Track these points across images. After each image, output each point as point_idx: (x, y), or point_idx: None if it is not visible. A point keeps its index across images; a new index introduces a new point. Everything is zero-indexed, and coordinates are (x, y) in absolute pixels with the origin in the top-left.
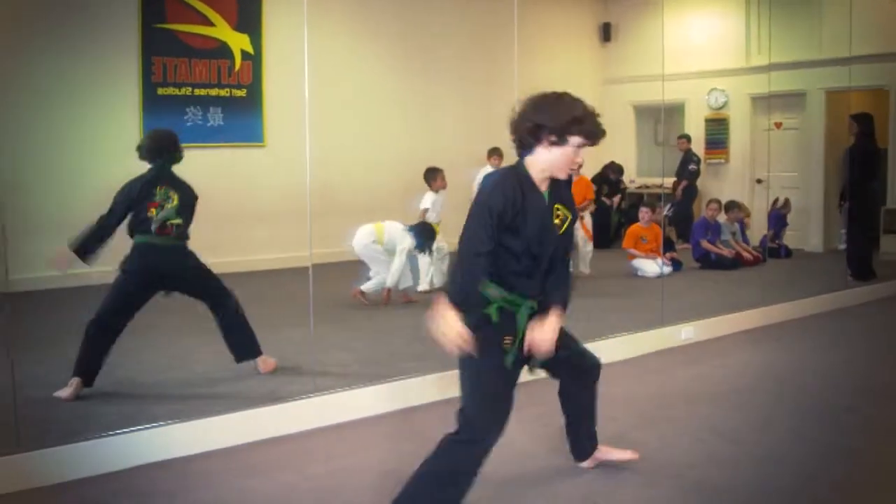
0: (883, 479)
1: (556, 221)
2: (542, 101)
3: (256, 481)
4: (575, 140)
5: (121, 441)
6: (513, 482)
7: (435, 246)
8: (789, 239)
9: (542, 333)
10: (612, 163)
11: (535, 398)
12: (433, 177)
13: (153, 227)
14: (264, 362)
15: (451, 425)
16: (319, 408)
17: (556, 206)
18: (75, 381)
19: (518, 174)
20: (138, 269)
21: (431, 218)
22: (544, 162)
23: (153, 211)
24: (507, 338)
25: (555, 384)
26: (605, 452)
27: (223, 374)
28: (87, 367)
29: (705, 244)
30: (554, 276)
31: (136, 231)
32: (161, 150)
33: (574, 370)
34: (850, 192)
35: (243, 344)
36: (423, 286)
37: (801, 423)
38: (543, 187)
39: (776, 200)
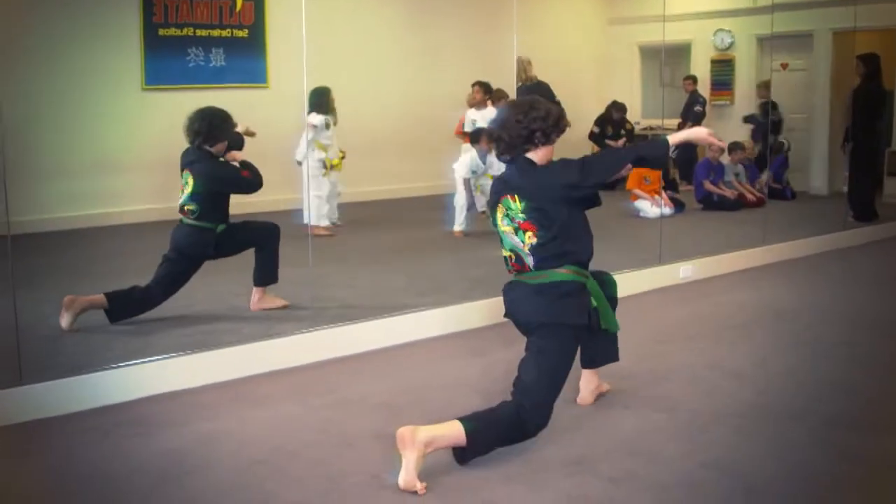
0: (879, 413)
1: None
2: (529, 108)
3: (258, 412)
4: (555, 138)
5: (124, 374)
6: None
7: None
8: (793, 180)
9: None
10: (616, 102)
11: None
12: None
13: (179, 208)
14: (269, 299)
15: (446, 358)
16: (320, 342)
17: None
18: (98, 297)
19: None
20: (170, 245)
21: None
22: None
23: (181, 192)
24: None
25: None
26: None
27: (225, 310)
28: (118, 304)
29: (708, 185)
30: None
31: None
32: (189, 131)
33: None
34: (854, 134)
35: (262, 272)
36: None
37: (798, 357)
38: None
39: (780, 144)
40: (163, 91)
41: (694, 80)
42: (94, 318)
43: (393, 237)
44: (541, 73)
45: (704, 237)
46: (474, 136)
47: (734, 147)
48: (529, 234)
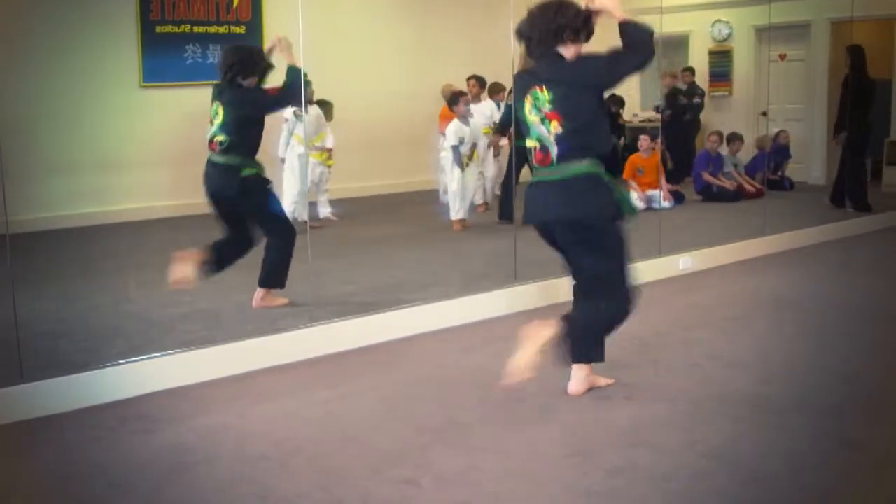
0: (879, 402)
1: None
2: (559, 6)
3: (260, 407)
4: (583, 37)
5: (126, 370)
6: (506, 406)
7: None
8: (792, 171)
9: None
10: (614, 95)
11: None
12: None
13: (208, 142)
14: (271, 298)
15: (448, 352)
16: (321, 337)
17: None
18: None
19: None
20: (205, 191)
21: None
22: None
23: (209, 127)
24: None
25: None
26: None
27: (227, 305)
28: (216, 257)
29: (707, 176)
30: None
31: None
32: (223, 66)
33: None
34: (844, 124)
35: (269, 274)
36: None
37: (799, 347)
38: None
39: (777, 133)
40: (160, 88)
41: (692, 71)
42: (95, 315)
43: (390, 231)
44: None
45: (704, 228)
46: (453, 100)
47: (732, 138)
48: (555, 123)
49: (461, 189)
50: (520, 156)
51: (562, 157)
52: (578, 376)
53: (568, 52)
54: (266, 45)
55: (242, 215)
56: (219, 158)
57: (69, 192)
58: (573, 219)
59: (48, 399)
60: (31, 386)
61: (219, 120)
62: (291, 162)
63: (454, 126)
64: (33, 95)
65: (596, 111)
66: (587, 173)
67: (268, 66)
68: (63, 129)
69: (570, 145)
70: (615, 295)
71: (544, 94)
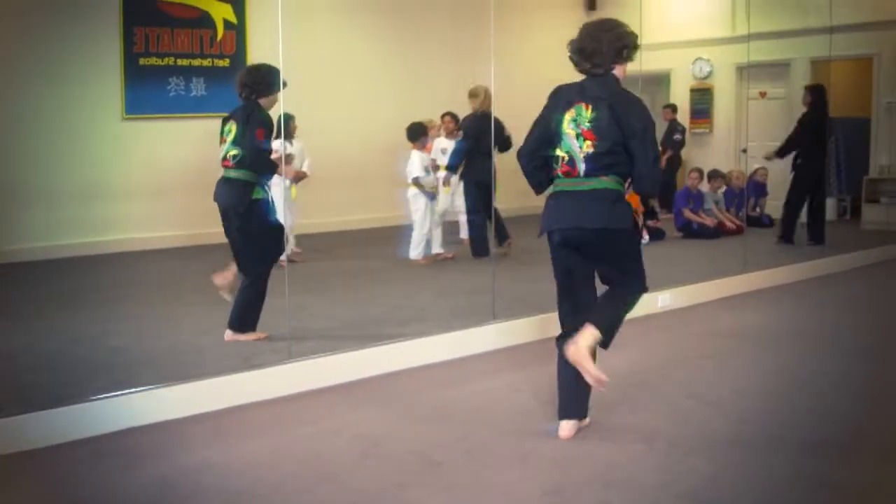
0: (856, 440)
1: None
2: (617, 25)
3: (241, 443)
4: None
5: (107, 405)
6: (484, 445)
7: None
8: (772, 208)
9: None
10: None
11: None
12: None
13: (221, 160)
14: (244, 334)
15: (428, 388)
16: (301, 373)
17: None
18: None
19: None
20: (217, 201)
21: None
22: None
23: (222, 147)
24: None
25: None
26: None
27: (208, 341)
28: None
29: (687, 213)
30: None
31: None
32: (240, 85)
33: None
34: (801, 159)
35: (243, 317)
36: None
37: (777, 385)
38: None
39: (755, 170)
40: (143, 120)
41: (673, 108)
42: (76, 348)
43: (370, 266)
44: (519, 100)
45: (684, 265)
46: (413, 135)
47: (713, 175)
48: (589, 142)
49: (421, 225)
50: (486, 190)
51: (587, 173)
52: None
53: (620, 71)
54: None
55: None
56: (232, 173)
57: (51, 223)
58: (609, 229)
59: (27, 434)
60: (9, 420)
61: (231, 137)
62: (278, 196)
63: (417, 159)
64: (15, 126)
65: (622, 140)
66: (611, 188)
67: (283, 84)
68: (45, 160)
69: (598, 164)
70: (637, 290)
71: (587, 112)
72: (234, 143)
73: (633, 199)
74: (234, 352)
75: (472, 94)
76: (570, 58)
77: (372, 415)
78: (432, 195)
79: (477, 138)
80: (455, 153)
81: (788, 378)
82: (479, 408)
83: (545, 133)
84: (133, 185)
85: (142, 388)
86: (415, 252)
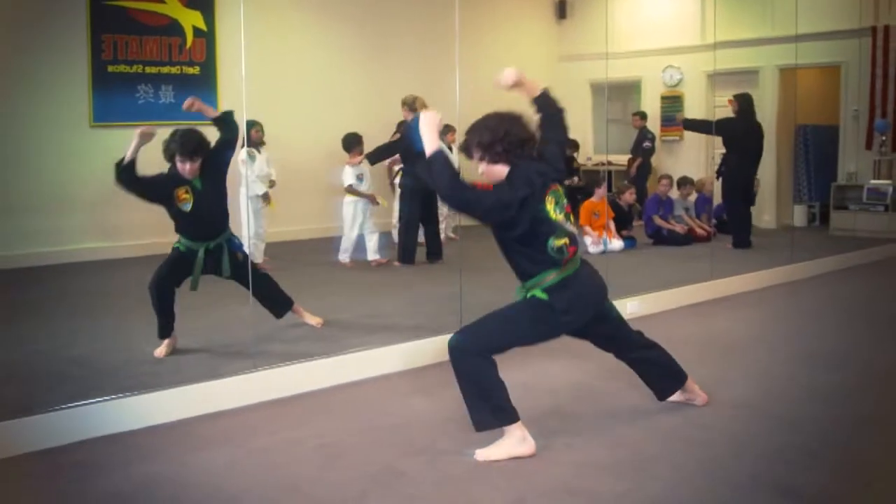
0: (820, 448)
1: None
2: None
3: (198, 454)
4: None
5: (63, 416)
6: (446, 454)
7: None
8: None
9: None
10: (569, 139)
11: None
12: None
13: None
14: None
15: (396, 398)
16: (262, 383)
17: None
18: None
19: None
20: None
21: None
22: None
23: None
24: None
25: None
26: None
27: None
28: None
29: (658, 220)
30: None
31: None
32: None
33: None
34: (728, 166)
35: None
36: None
37: (742, 391)
38: None
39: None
40: (111, 128)
41: (642, 115)
42: (37, 359)
43: (335, 275)
44: (489, 109)
45: (653, 272)
46: (347, 145)
47: (683, 182)
48: (572, 216)
49: (350, 229)
50: (424, 199)
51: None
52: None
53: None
54: (185, 105)
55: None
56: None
57: (19, 232)
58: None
59: None
60: None
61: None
62: (253, 203)
63: (349, 169)
64: None
65: None
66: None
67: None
68: (11, 168)
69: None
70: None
71: (559, 190)
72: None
73: (602, 204)
74: (194, 361)
75: (405, 103)
76: (506, 149)
77: (334, 425)
78: (368, 202)
79: (408, 146)
80: (377, 148)
81: (755, 384)
82: (445, 417)
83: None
84: (100, 194)
85: (100, 399)
86: (343, 256)
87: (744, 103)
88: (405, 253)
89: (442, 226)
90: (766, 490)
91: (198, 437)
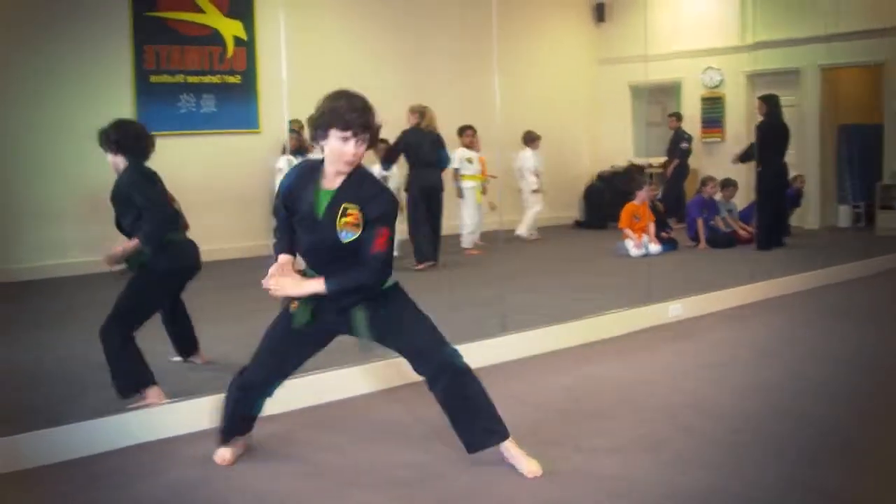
0: (855, 452)
1: (342, 220)
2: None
3: (238, 461)
4: (334, 133)
5: (98, 424)
6: (484, 454)
7: None
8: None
9: (282, 281)
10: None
11: None
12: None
13: (181, 222)
14: (201, 356)
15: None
16: (303, 389)
17: (344, 204)
18: (151, 391)
19: (314, 167)
20: (177, 269)
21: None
22: (326, 155)
23: (175, 206)
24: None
25: None
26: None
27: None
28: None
29: (700, 222)
30: (343, 270)
31: (169, 230)
32: (148, 145)
33: (416, 363)
34: (759, 167)
35: (192, 340)
36: None
37: (780, 395)
38: (334, 183)
39: (794, 178)
40: (154, 137)
41: (678, 116)
42: (70, 367)
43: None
44: (528, 113)
45: (695, 274)
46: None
47: (726, 184)
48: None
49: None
50: (429, 202)
51: None
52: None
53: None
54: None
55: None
56: (186, 235)
57: (44, 243)
58: None
59: (18, 455)
60: (2, 441)
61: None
62: None
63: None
64: (28, 146)
65: None
66: None
67: None
68: (54, 179)
69: None
70: None
71: None
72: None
73: (643, 208)
74: (225, 370)
75: (415, 110)
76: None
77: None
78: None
79: (415, 151)
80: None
81: (793, 388)
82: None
83: None
84: None
85: (135, 407)
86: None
87: (771, 104)
88: (419, 252)
89: (466, 231)
90: (801, 491)
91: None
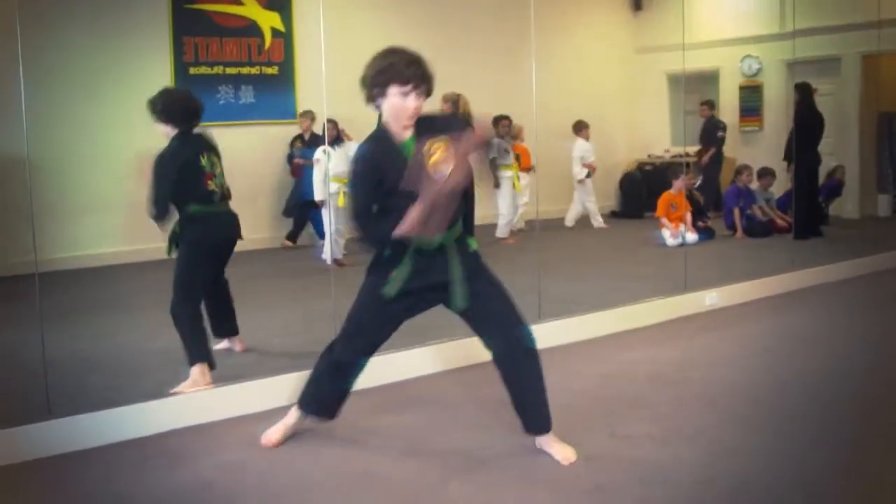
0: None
1: (431, 160)
2: (369, 60)
3: (285, 444)
4: (393, 89)
5: (150, 407)
6: (526, 441)
7: None
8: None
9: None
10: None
11: None
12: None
13: (217, 197)
14: (240, 342)
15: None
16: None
17: (427, 144)
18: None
19: (378, 137)
20: (204, 238)
21: None
22: (385, 113)
23: (211, 183)
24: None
25: None
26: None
27: (255, 343)
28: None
29: (736, 212)
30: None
31: (195, 202)
32: (191, 113)
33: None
34: (795, 156)
35: (231, 321)
36: None
37: (819, 384)
38: (405, 136)
39: (835, 169)
40: (200, 103)
41: (710, 105)
42: (123, 352)
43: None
44: (567, 101)
45: (732, 263)
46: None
47: (763, 173)
48: None
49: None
50: None
51: None
52: None
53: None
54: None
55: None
56: (226, 207)
57: (99, 231)
58: None
59: (75, 435)
60: (58, 422)
61: (219, 169)
62: (330, 201)
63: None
64: (66, 137)
65: None
66: None
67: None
68: (96, 168)
69: None
70: None
71: None
72: (223, 174)
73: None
74: (278, 354)
75: (448, 99)
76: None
77: (417, 415)
78: None
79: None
80: None
81: (831, 377)
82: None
83: None
84: None
85: (176, 393)
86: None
87: (804, 93)
88: None
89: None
90: (843, 478)
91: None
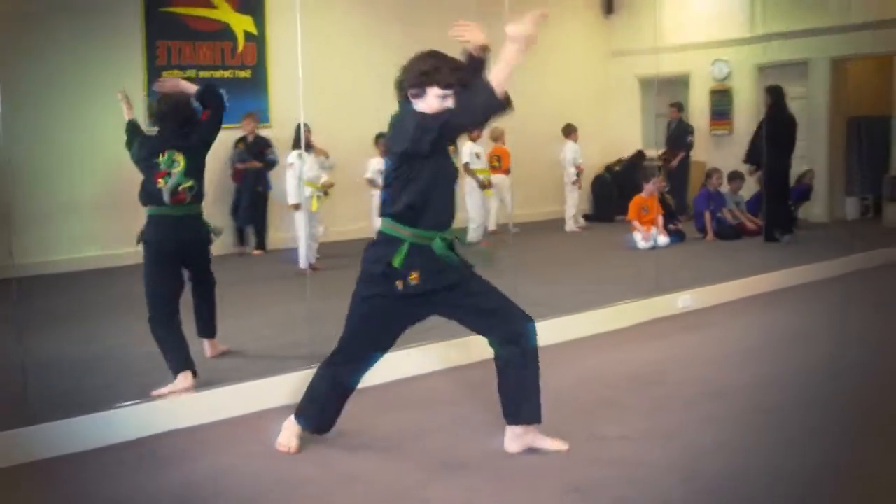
0: (871, 430)
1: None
2: (409, 60)
3: (268, 447)
4: (435, 91)
5: (138, 410)
6: (495, 448)
7: None
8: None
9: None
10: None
11: None
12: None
13: (166, 197)
14: (213, 346)
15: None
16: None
17: None
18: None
19: None
20: (157, 240)
21: None
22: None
23: (161, 181)
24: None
25: None
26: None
27: (244, 346)
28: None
29: (707, 215)
30: None
31: (149, 202)
32: (166, 114)
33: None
34: (766, 159)
35: (212, 323)
36: None
37: (793, 382)
38: None
39: (804, 172)
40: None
41: (679, 106)
42: (110, 356)
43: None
44: (540, 104)
45: (704, 266)
46: None
47: (733, 177)
48: None
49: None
50: None
51: None
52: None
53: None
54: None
55: (198, 265)
56: (187, 210)
57: (77, 236)
58: None
59: (57, 440)
60: (39, 427)
61: (180, 168)
62: (304, 205)
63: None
64: (40, 140)
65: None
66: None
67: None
68: (71, 173)
69: None
70: None
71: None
72: (186, 174)
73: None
74: (263, 358)
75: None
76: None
77: (408, 416)
78: None
79: None
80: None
81: (805, 376)
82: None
83: None
84: None
85: (159, 395)
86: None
87: (776, 96)
88: None
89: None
90: (827, 469)
91: (268, 431)
